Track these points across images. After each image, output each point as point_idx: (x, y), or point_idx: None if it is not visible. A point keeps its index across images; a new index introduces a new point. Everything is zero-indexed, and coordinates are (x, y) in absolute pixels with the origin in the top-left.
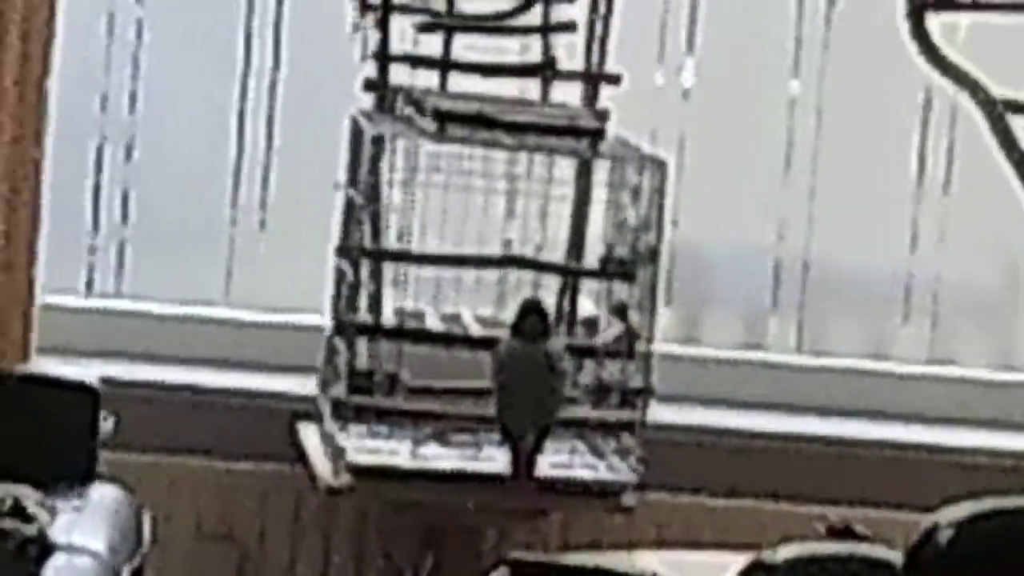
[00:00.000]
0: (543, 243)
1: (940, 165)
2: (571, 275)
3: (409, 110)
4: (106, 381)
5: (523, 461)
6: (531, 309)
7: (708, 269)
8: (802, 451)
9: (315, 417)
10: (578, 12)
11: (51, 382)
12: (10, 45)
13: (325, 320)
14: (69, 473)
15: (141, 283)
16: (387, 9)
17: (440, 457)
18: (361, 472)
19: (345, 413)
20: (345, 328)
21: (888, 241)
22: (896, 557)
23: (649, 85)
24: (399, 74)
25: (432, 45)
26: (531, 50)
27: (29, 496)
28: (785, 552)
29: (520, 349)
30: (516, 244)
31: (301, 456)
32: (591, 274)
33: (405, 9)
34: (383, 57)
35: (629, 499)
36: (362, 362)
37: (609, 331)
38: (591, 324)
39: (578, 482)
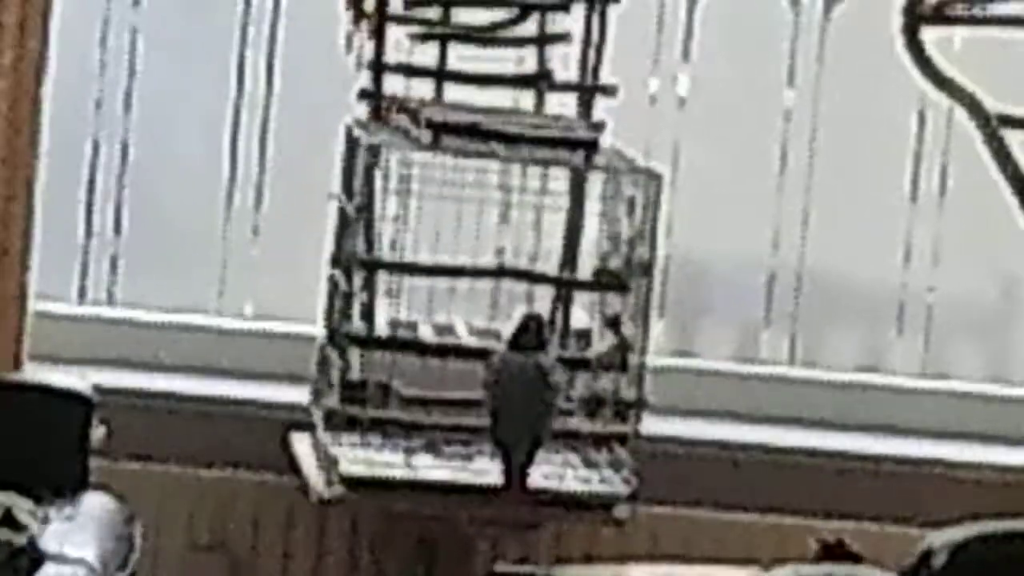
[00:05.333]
0: (537, 254)
1: (935, 177)
2: (565, 286)
3: (404, 120)
4: (98, 389)
5: (516, 472)
6: (531, 323)
7: (702, 281)
8: (795, 464)
9: (308, 427)
10: (573, 23)
11: (43, 390)
12: (3, 51)
13: (318, 330)
14: (61, 482)
15: (134, 291)
16: (382, 19)
17: (433, 468)
18: (354, 483)
19: (338, 423)
20: (338, 338)
21: (882, 253)
22: None
23: (644, 95)
24: (394, 84)
25: (427, 55)
26: (526, 61)
27: (20, 505)
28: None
29: (514, 361)
30: (510, 255)
31: (293, 466)
32: (585, 286)
33: (400, 19)
34: (378, 67)
35: (622, 511)
36: (355, 372)
37: (602, 343)
38: (584, 336)
39: (571, 494)
